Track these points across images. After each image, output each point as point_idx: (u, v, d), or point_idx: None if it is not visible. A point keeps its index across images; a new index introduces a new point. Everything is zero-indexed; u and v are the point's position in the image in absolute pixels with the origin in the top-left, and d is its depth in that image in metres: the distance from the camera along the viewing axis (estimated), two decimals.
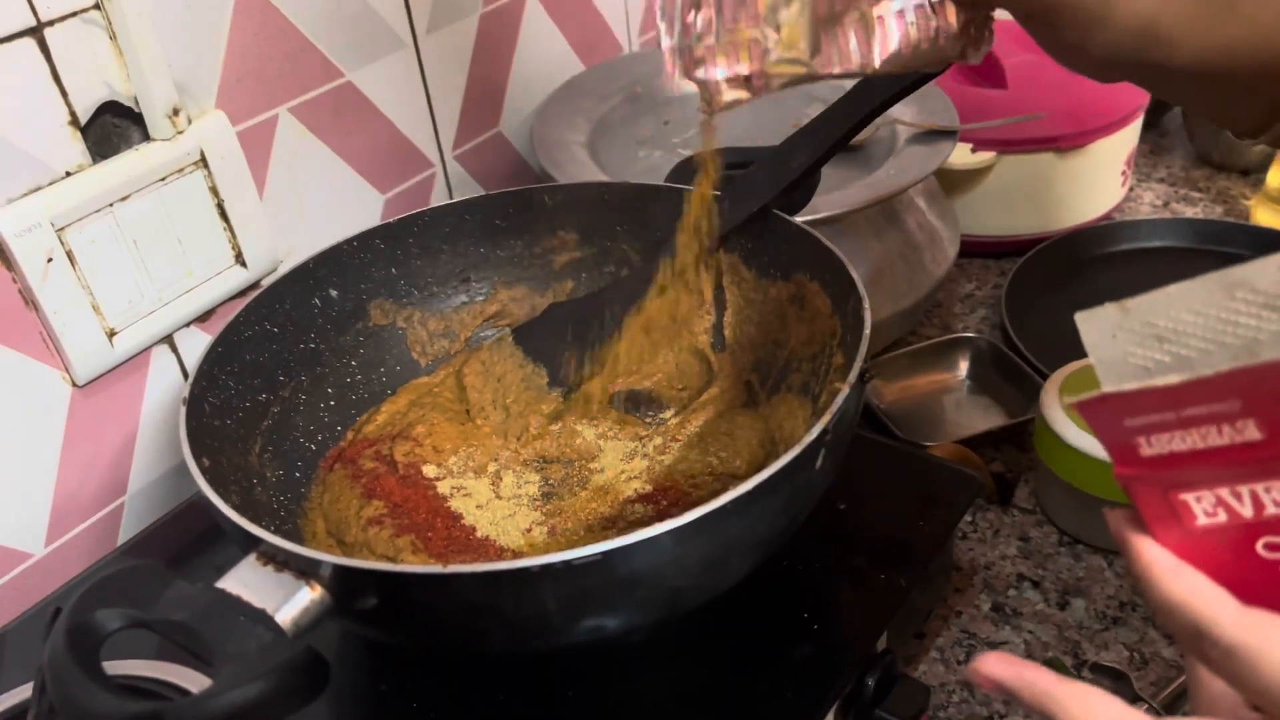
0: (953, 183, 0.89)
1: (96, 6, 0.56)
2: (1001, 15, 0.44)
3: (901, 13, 0.42)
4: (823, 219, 0.69)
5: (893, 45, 0.42)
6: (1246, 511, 0.29)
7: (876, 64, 0.42)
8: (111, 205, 0.59)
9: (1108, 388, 0.29)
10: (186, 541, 0.63)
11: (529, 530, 0.57)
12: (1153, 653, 0.60)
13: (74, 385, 0.61)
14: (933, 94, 0.80)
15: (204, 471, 0.48)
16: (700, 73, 0.41)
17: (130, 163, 0.59)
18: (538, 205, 0.69)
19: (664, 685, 0.52)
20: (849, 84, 0.59)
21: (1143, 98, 0.91)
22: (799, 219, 0.61)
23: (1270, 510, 0.29)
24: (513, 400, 0.65)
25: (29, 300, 0.57)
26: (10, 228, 0.54)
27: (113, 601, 0.39)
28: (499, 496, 0.60)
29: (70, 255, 0.57)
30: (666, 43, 0.41)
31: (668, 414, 0.64)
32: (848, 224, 0.72)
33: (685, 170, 0.67)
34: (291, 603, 0.40)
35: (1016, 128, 0.86)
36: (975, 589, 0.64)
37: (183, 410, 0.52)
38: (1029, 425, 0.72)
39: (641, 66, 0.92)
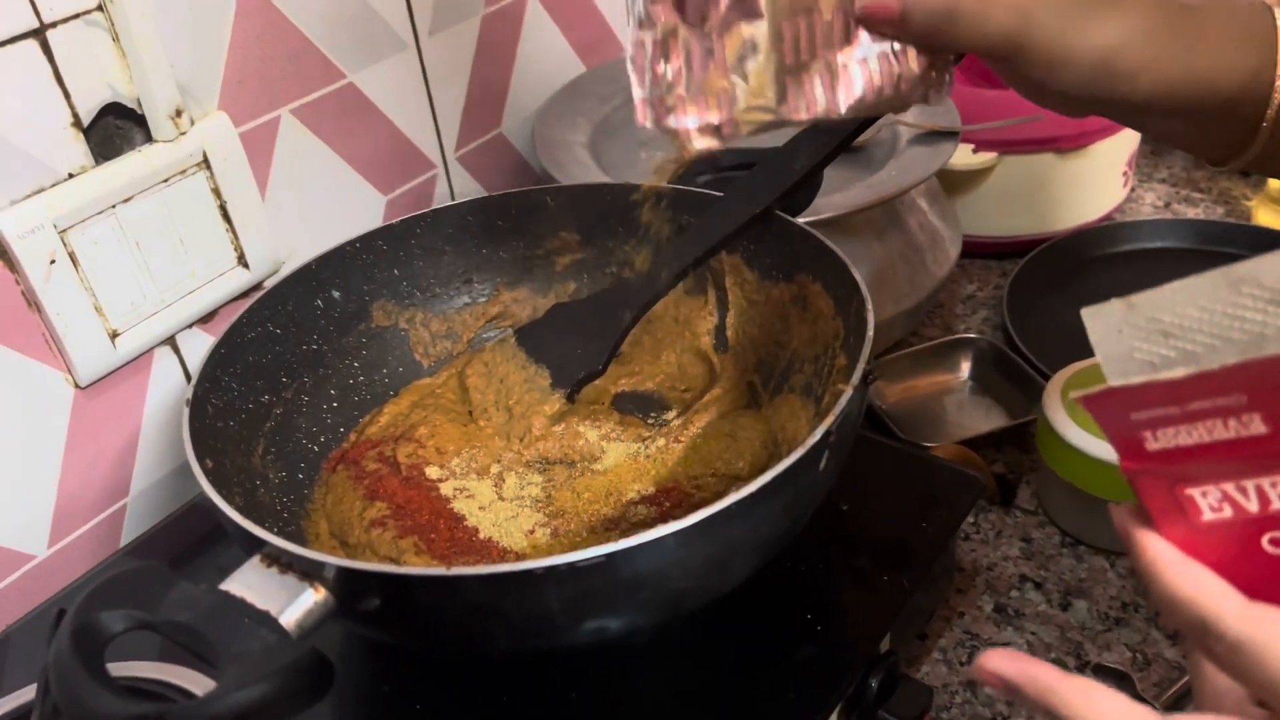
0: (954, 184, 0.89)
1: (99, 8, 0.56)
2: None
3: (865, 60, 0.43)
4: (825, 220, 0.69)
5: (857, 92, 0.43)
6: (1252, 506, 0.29)
7: (842, 110, 0.43)
8: (114, 207, 0.59)
9: (1114, 382, 0.29)
10: (189, 543, 0.63)
11: (532, 532, 0.57)
12: (1155, 654, 0.60)
13: (77, 386, 0.61)
14: None
15: (207, 473, 0.48)
16: (671, 121, 0.42)
17: (133, 164, 0.59)
18: (540, 206, 0.69)
19: (667, 686, 0.52)
20: None
21: None
22: (801, 220, 0.61)
23: (1276, 505, 0.29)
24: (515, 401, 0.64)
25: (32, 302, 0.57)
26: (13, 229, 0.55)
27: (117, 603, 0.39)
28: (502, 498, 0.60)
29: (73, 257, 0.57)
30: (638, 94, 0.43)
31: (670, 415, 0.64)
32: (850, 225, 0.72)
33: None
34: (295, 604, 0.40)
35: (1018, 128, 0.86)
36: (977, 590, 0.64)
37: (186, 412, 0.52)
38: (1031, 426, 0.72)
39: None
